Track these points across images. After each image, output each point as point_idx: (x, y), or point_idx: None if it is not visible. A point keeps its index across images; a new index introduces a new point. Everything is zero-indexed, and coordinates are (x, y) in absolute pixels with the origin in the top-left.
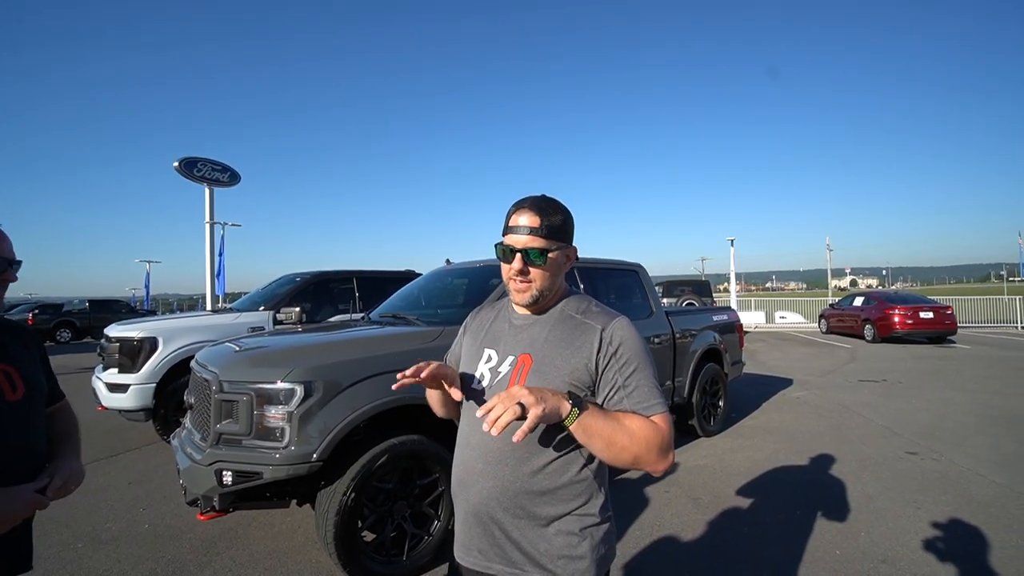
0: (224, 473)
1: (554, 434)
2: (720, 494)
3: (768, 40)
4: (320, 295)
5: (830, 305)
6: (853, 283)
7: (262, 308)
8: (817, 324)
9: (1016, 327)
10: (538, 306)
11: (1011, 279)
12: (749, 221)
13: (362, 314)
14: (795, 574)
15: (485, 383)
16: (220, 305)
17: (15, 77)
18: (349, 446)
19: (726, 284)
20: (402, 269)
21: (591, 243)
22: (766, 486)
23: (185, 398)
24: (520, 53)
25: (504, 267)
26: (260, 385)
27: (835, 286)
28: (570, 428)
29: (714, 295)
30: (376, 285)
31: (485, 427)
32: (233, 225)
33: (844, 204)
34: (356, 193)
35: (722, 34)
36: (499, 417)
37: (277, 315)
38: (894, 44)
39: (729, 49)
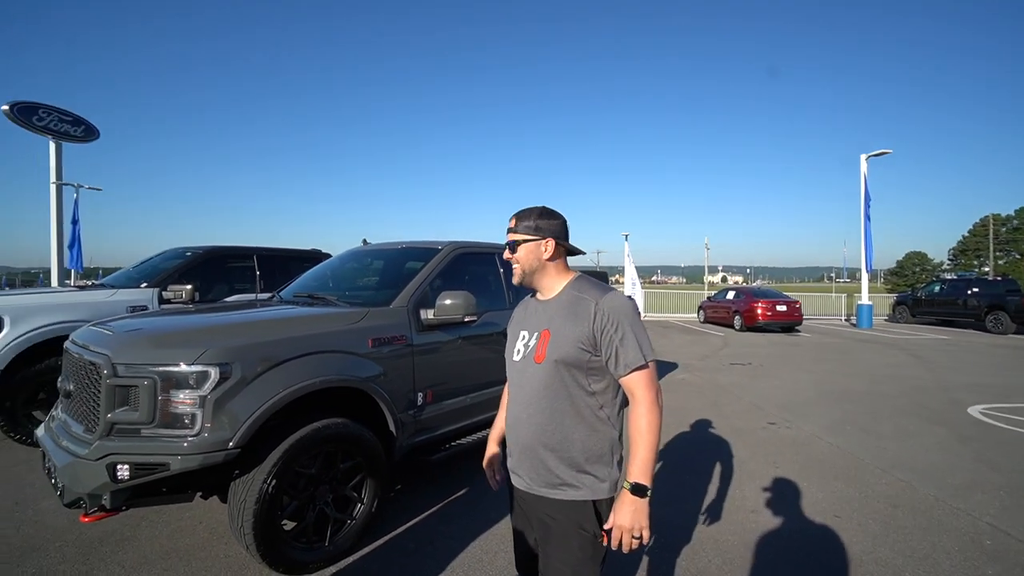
0: (119, 467)
1: (576, 394)
2: None
3: (655, 37)
4: (214, 272)
5: (707, 298)
6: (724, 279)
7: (144, 285)
8: (696, 315)
9: (840, 319)
10: (548, 284)
11: (838, 280)
12: (639, 218)
13: (268, 294)
14: (684, 527)
15: (520, 356)
16: (75, 282)
17: None
18: (266, 431)
19: (619, 276)
20: (306, 248)
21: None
22: (658, 457)
23: (60, 385)
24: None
25: None
26: (166, 368)
27: (709, 281)
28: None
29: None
30: (279, 264)
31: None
32: (91, 189)
33: (720, 206)
34: (254, 164)
35: (616, 30)
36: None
37: (164, 293)
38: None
39: (623, 47)
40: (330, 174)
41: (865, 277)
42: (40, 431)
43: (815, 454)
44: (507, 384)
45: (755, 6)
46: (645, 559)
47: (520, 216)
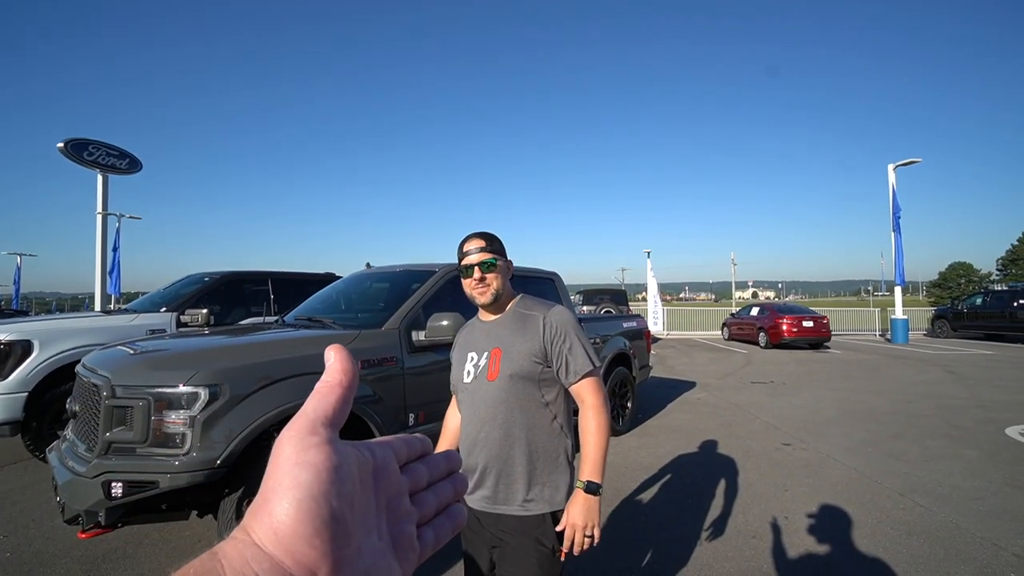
0: (113, 485)
1: (531, 407)
2: (623, 488)
3: (673, 47)
4: (231, 296)
5: (731, 314)
6: (755, 295)
7: (164, 309)
8: (720, 332)
9: (875, 334)
10: (498, 304)
11: (875, 293)
12: (665, 234)
13: (276, 317)
14: (680, 552)
15: (471, 377)
16: (114, 306)
17: None
18: (261, 450)
19: (643, 293)
20: (321, 272)
21: (522, 252)
22: (664, 479)
23: (68, 406)
24: (413, 53)
25: (466, 282)
26: (160, 389)
27: (739, 297)
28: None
29: (630, 304)
30: (293, 287)
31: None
32: (132, 218)
33: (750, 220)
34: (273, 191)
35: (635, 43)
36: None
37: (181, 317)
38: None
39: (639, 57)
40: (376, 196)
41: (898, 291)
42: (50, 451)
43: (829, 477)
44: (448, 412)
45: (787, 12)
46: None
47: (487, 238)
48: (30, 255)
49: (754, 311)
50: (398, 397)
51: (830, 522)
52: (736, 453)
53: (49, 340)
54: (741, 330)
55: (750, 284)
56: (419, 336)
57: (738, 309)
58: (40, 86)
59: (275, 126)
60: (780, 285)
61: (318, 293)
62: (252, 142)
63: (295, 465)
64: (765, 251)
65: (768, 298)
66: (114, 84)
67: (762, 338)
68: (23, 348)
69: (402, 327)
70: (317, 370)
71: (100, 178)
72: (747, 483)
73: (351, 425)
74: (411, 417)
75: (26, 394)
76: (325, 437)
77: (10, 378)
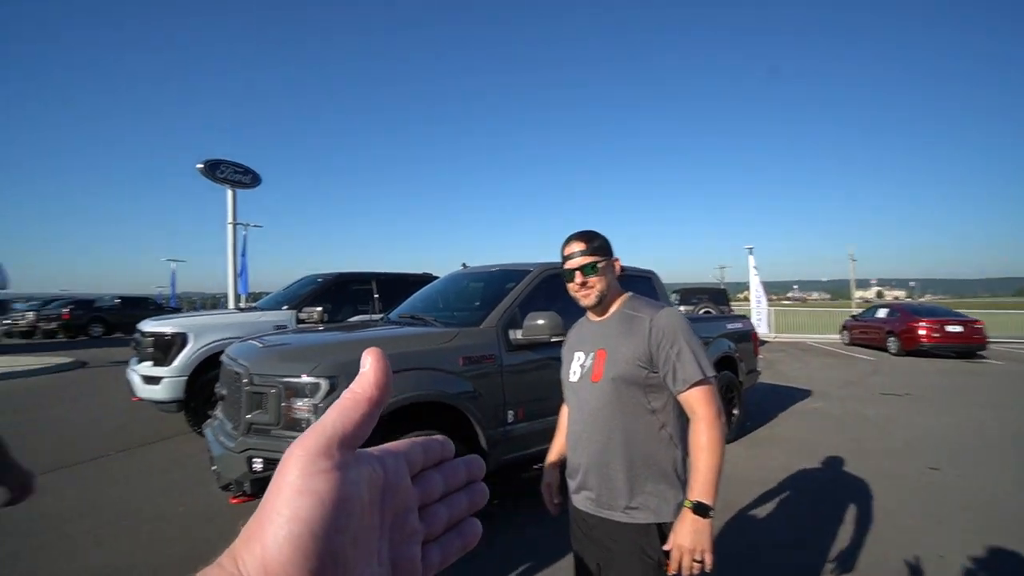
0: (254, 460)
1: (635, 412)
2: (733, 502)
3: (780, 40)
4: (340, 296)
5: (852, 317)
6: (879, 294)
7: (285, 307)
8: (839, 336)
9: None
10: (603, 306)
11: None
12: (770, 228)
13: (381, 315)
14: None
15: (578, 376)
16: (244, 304)
17: (37, 73)
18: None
19: (746, 292)
20: (419, 272)
21: (617, 249)
22: (779, 495)
23: (216, 390)
24: (529, 57)
25: (570, 285)
26: (288, 379)
27: (860, 297)
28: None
29: (731, 304)
30: (394, 287)
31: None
32: (255, 226)
33: (870, 212)
34: (375, 199)
35: (734, 32)
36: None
37: (299, 314)
38: (914, 46)
39: (741, 50)
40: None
41: None
42: (206, 427)
43: (997, 513)
44: (562, 408)
45: None
46: None
47: (588, 238)
48: (181, 260)
49: (881, 312)
50: (497, 394)
51: (1001, 568)
52: (867, 474)
53: (200, 333)
54: (865, 334)
55: (873, 282)
56: (516, 335)
57: (861, 310)
58: (175, 103)
59: (375, 133)
60: (912, 283)
61: (418, 292)
62: (360, 151)
63: (298, 492)
64: (891, 245)
65: (897, 298)
66: (239, 98)
67: (892, 343)
68: (182, 339)
69: (499, 326)
70: (425, 365)
71: (230, 193)
72: (884, 510)
73: (454, 420)
74: (510, 414)
75: (186, 378)
76: (337, 462)
77: (174, 363)
